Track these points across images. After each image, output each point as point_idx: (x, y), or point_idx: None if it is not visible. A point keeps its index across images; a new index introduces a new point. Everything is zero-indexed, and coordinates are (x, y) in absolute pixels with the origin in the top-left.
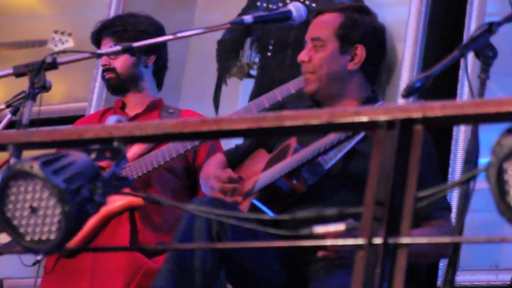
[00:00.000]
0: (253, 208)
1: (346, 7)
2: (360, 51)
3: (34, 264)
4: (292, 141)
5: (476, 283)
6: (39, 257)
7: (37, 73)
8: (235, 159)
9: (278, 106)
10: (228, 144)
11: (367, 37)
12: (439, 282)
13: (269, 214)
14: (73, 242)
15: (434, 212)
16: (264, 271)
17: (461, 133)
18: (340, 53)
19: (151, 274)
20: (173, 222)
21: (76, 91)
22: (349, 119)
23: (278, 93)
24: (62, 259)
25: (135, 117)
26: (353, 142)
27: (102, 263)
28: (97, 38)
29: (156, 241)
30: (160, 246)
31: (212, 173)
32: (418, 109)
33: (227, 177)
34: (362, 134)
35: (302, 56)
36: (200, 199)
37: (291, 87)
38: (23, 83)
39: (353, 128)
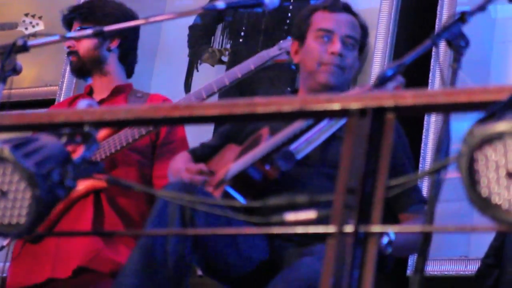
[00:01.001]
0: (226, 196)
1: (356, 12)
2: (360, 63)
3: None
4: (264, 131)
5: (446, 272)
6: (4, 243)
7: (8, 56)
8: (202, 156)
9: (251, 92)
10: (199, 130)
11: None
12: (409, 271)
13: (241, 201)
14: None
15: (411, 205)
16: (235, 257)
17: (432, 122)
18: (358, 57)
19: (103, 260)
20: (140, 204)
21: (46, 74)
22: (321, 107)
23: (238, 71)
24: (27, 244)
25: (101, 102)
26: (334, 128)
27: (64, 246)
28: (67, 21)
29: (123, 224)
30: (130, 231)
31: (182, 167)
32: (390, 98)
33: (198, 169)
34: (344, 121)
35: (341, 49)
36: (172, 184)
37: (251, 64)
38: None
39: (325, 115)
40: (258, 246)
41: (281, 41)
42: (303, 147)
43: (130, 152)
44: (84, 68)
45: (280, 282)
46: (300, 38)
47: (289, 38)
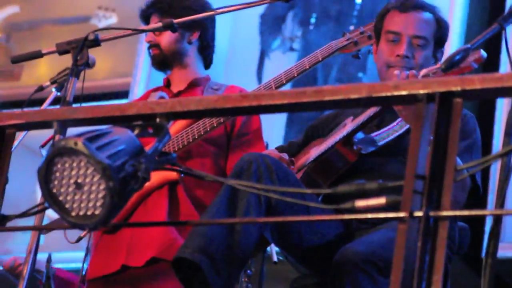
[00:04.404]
0: (305, 179)
1: (435, 7)
2: (441, 55)
3: (77, 240)
4: (348, 120)
5: None
6: (82, 234)
7: (80, 50)
8: (288, 153)
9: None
10: (268, 117)
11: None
12: (484, 254)
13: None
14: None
15: None
16: (307, 228)
17: (504, 106)
18: (433, 55)
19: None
20: (216, 194)
21: (120, 66)
22: (388, 93)
23: (306, 61)
24: (104, 235)
25: (178, 94)
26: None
27: (138, 236)
28: (145, 16)
29: (199, 214)
30: (199, 221)
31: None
32: (457, 82)
33: (279, 156)
34: None
35: (407, 52)
36: (249, 154)
37: (319, 54)
38: (68, 60)
39: (392, 101)
40: (331, 223)
41: (348, 32)
42: (384, 136)
43: (205, 143)
44: (165, 61)
45: (353, 244)
46: (377, 39)
47: (359, 27)
